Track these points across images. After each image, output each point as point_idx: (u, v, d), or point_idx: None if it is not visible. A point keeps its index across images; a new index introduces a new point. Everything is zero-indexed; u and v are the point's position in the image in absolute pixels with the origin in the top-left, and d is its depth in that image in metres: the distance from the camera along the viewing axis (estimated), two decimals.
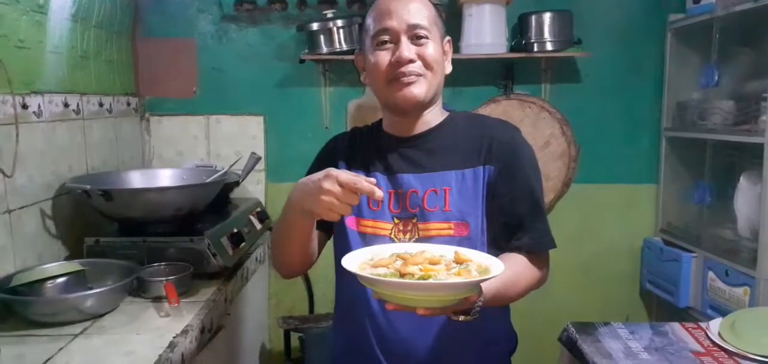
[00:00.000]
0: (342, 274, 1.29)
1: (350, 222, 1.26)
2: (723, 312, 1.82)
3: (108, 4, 2.20)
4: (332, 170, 1.05)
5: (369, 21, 1.25)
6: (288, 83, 2.60)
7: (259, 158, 2.19)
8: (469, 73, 2.58)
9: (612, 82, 2.62)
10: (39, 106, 1.76)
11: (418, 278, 0.92)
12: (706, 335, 1.47)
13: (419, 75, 1.20)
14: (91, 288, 1.54)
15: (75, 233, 1.87)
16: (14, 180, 1.61)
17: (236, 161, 2.20)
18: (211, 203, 1.96)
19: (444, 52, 1.27)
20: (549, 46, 2.44)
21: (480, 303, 0.99)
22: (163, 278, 1.61)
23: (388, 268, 0.98)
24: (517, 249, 1.20)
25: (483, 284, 0.98)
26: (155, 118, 2.63)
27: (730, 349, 1.38)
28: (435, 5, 1.27)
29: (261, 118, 2.63)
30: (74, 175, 1.93)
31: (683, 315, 2.33)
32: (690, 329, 1.53)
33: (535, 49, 2.44)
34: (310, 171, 1.34)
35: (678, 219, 2.60)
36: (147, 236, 1.78)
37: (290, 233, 1.21)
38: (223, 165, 2.27)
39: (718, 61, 2.27)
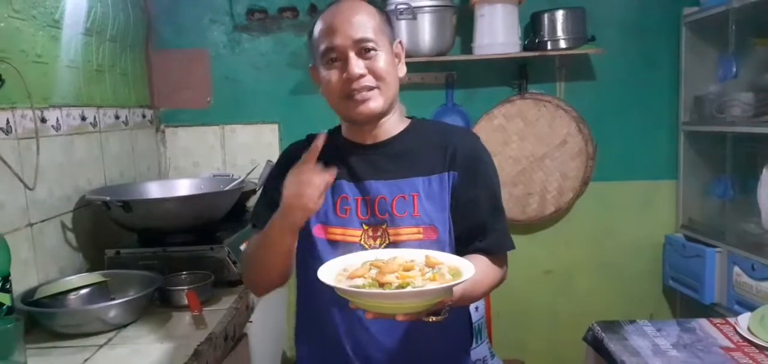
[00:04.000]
0: (308, 283, 1.29)
1: (317, 231, 1.24)
2: (750, 307, 1.79)
3: (121, 18, 2.22)
4: (292, 177, 1.09)
5: (315, 36, 1.24)
6: (301, 90, 2.60)
7: None
8: (482, 74, 2.58)
9: (627, 78, 2.60)
10: (57, 120, 1.77)
11: (397, 286, 0.95)
12: (735, 330, 1.44)
13: (372, 88, 1.19)
14: (113, 299, 1.55)
15: (95, 245, 1.88)
16: (35, 194, 1.62)
17: (253, 170, 2.20)
18: (228, 212, 1.95)
19: (396, 56, 1.26)
20: (562, 44, 2.43)
21: (450, 304, 1.02)
22: (185, 287, 1.61)
23: (364, 278, 1.00)
24: (479, 250, 1.23)
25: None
26: (171, 129, 2.64)
27: (760, 343, 1.35)
28: (380, 11, 1.27)
29: (275, 126, 2.63)
30: (93, 187, 1.94)
31: (708, 312, 2.30)
32: (718, 324, 1.50)
33: (549, 47, 2.43)
34: (270, 182, 1.35)
35: (700, 214, 2.56)
36: (166, 246, 1.79)
37: (274, 257, 1.20)
38: (239, 174, 2.27)
39: (736, 53, 2.24)
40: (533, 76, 2.57)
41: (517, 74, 2.56)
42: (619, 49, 2.55)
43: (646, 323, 1.55)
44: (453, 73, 2.56)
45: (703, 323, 1.52)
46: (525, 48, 2.46)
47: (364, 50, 1.19)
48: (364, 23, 1.19)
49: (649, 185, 2.67)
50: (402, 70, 1.28)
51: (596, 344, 1.52)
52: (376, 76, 1.19)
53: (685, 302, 2.59)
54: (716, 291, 2.33)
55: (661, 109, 2.62)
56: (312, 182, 1.06)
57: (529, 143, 2.54)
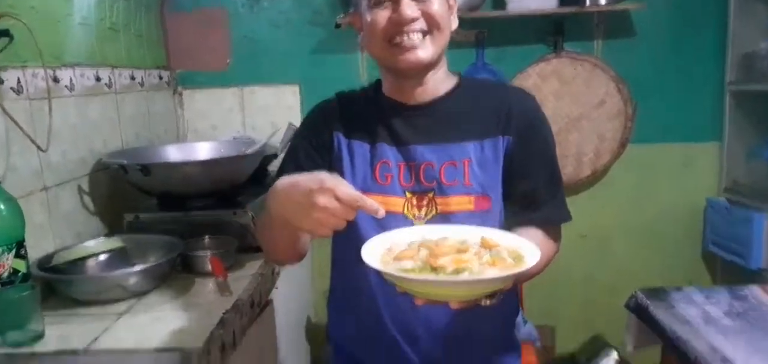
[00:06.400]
0: (344, 255, 1.19)
1: None
2: None
3: None
4: (327, 180, 0.87)
5: None
6: (323, 50, 2.49)
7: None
8: (516, 32, 2.45)
9: (669, 36, 2.45)
10: (71, 80, 1.69)
11: (452, 271, 0.85)
12: None
13: (425, 34, 1.07)
14: (134, 265, 1.48)
15: (113, 210, 1.82)
16: (49, 156, 1.55)
17: (274, 133, 2.12)
18: (250, 176, 1.87)
19: (449, 6, 1.12)
20: (601, 0, 2.28)
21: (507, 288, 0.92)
22: (208, 252, 1.54)
23: (413, 260, 0.88)
24: (533, 222, 1.13)
25: None
26: (188, 91, 2.55)
27: None
28: None
29: (296, 88, 2.53)
30: (109, 150, 1.87)
31: (754, 277, 2.19)
32: None
33: (587, 3, 2.29)
34: (296, 143, 1.22)
35: (745, 177, 2.44)
36: (188, 210, 1.72)
37: (275, 238, 1.09)
38: (260, 137, 2.19)
39: None
40: (570, 33, 2.43)
41: (553, 31, 2.42)
42: (661, 4, 2.40)
43: (694, 290, 1.48)
44: (484, 30, 2.43)
45: (755, 290, 1.45)
46: (561, 3, 2.32)
47: None
48: None
49: (690, 147, 2.53)
50: (455, 23, 1.15)
51: (640, 312, 1.46)
52: (430, 22, 1.06)
53: (726, 268, 2.48)
54: (764, 256, 2.22)
55: (705, 68, 2.46)
56: (332, 205, 0.86)
57: (564, 104, 2.42)
